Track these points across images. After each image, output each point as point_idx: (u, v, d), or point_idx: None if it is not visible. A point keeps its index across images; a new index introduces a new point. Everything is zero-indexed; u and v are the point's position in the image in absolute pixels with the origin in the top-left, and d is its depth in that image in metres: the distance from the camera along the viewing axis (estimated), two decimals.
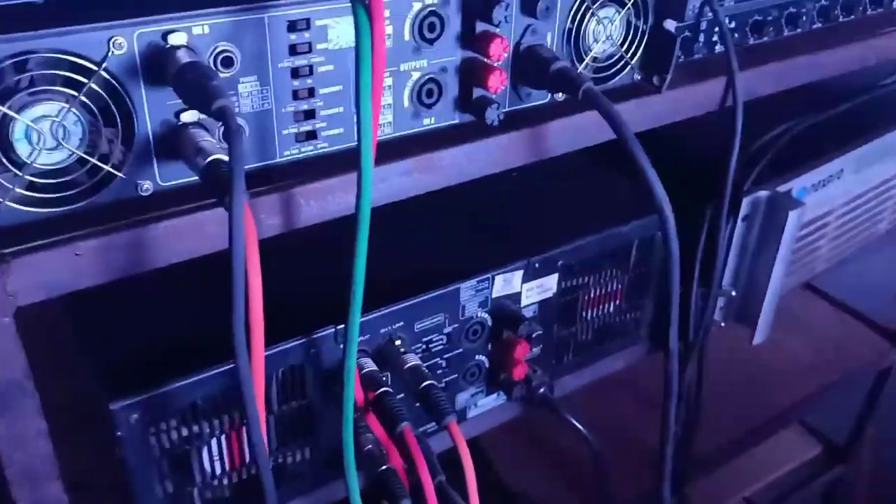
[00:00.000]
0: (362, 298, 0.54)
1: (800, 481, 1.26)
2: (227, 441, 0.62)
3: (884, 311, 1.28)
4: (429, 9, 0.57)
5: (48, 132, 0.46)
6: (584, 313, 0.80)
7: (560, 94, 0.65)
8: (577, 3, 0.63)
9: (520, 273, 0.72)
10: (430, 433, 0.75)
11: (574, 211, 0.80)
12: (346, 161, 0.58)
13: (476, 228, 0.77)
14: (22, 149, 0.46)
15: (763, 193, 0.83)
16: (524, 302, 0.74)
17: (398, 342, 0.66)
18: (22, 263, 0.47)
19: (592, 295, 0.80)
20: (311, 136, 0.56)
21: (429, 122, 0.61)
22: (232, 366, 0.53)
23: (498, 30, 0.59)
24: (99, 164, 0.48)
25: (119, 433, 0.55)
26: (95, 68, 0.46)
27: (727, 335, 0.90)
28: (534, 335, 0.74)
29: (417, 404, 0.65)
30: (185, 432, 0.58)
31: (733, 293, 0.88)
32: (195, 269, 0.52)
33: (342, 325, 0.63)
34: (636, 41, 0.68)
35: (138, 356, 0.60)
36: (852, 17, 0.84)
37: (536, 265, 0.73)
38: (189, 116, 0.51)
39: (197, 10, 0.48)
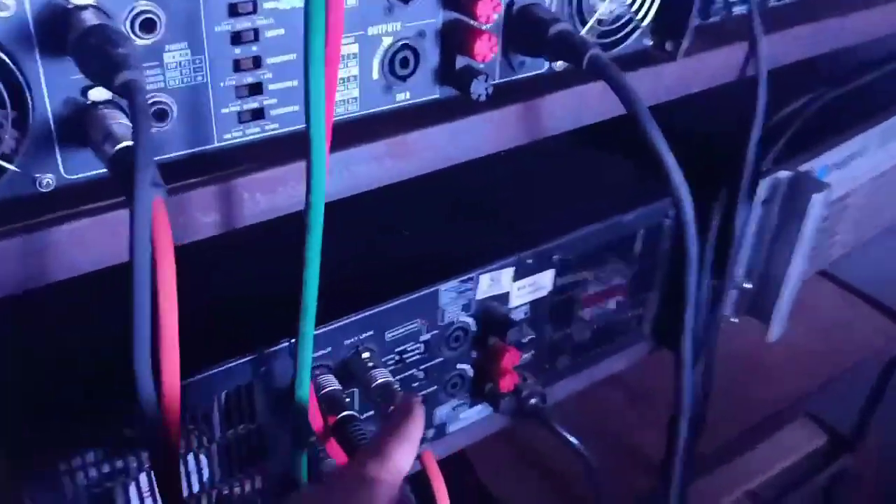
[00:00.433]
0: (315, 310, 0.44)
1: (804, 473, 1.19)
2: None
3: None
4: None
5: None
6: (582, 312, 0.71)
7: (560, 62, 0.55)
8: None
9: (510, 271, 0.62)
10: None
11: (570, 197, 0.70)
12: (301, 146, 0.48)
13: (459, 220, 0.67)
14: None
15: (784, 174, 0.73)
16: (514, 302, 0.64)
17: (366, 355, 0.57)
18: None
19: (592, 292, 0.70)
20: (258, 115, 0.46)
21: (403, 97, 0.51)
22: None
23: None
24: None
25: None
26: None
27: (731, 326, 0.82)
28: (525, 340, 0.64)
29: None
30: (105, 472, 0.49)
31: (747, 286, 0.78)
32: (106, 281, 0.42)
33: None
34: (648, 1, 0.57)
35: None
36: None
37: (529, 261, 0.63)
38: (99, 94, 0.40)
39: None
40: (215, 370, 0.51)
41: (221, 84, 0.44)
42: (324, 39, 0.38)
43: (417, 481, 0.51)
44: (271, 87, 0.46)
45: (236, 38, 0.43)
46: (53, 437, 0.47)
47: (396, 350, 0.60)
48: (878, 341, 1.16)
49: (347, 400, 0.54)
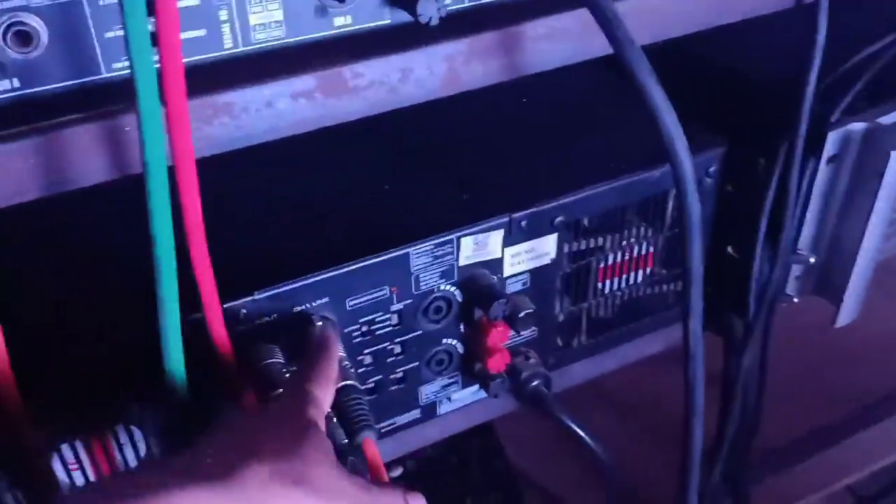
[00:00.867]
0: (174, 271, 0.37)
1: None
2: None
3: None
4: None
5: None
6: (600, 284, 0.61)
7: None
8: None
9: (498, 234, 0.53)
10: (388, 431, 0.59)
11: (582, 149, 0.60)
12: (211, 77, 0.41)
13: (440, 174, 0.58)
14: None
15: (857, 126, 0.60)
16: (508, 271, 0.56)
17: (319, 325, 0.49)
18: None
19: (612, 261, 0.60)
20: (155, 41, 0.39)
21: (343, 21, 0.43)
22: None
23: None
24: None
25: None
26: None
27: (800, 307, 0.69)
28: (521, 314, 0.55)
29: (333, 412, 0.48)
30: None
31: (812, 259, 0.66)
32: None
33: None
34: None
35: None
36: None
37: (522, 223, 0.54)
38: None
39: None
40: None
41: (100, 2, 0.37)
42: None
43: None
44: None
45: None
46: None
47: (361, 320, 0.52)
48: None
49: (287, 374, 0.48)
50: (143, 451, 0.50)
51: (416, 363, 0.57)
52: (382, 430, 0.58)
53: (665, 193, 0.60)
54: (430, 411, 0.60)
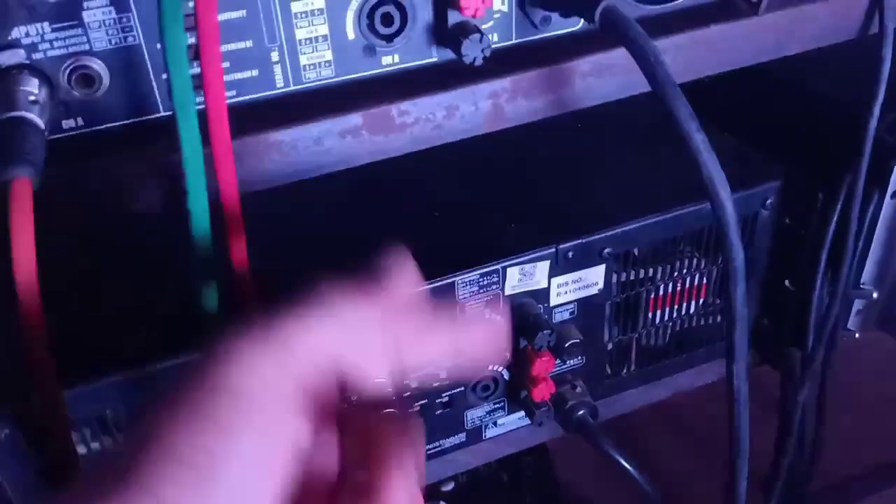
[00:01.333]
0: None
1: None
2: None
3: None
4: None
5: None
6: (650, 314, 0.61)
7: (578, 17, 0.45)
8: None
9: (545, 264, 0.54)
10: (433, 454, 0.60)
11: (633, 180, 0.59)
12: (263, 116, 0.42)
13: (489, 204, 0.58)
14: None
15: None
16: (555, 301, 0.56)
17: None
18: None
19: (663, 291, 0.60)
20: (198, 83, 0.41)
21: (390, 61, 0.44)
22: None
23: None
24: None
25: None
26: None
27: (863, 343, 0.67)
28: (567, 344, 0.55)
29: None
30: None
31: (875, 294, 0.64)
32: None
33: None
34: None
35: None
36: None
37: (569, 254, 0.54)
38: (8, 58, 0.37)
39: None
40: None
41: (158, 46, 0.39)
42: None
43: None
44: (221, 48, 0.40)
45: None
46: None
47: None
48: None
49: None
50: None
51: (462, 388, 0.57)
52: (428, 453, 0.59)
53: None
54: (475, 435, 0.60)
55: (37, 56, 0.37)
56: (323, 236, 0.57)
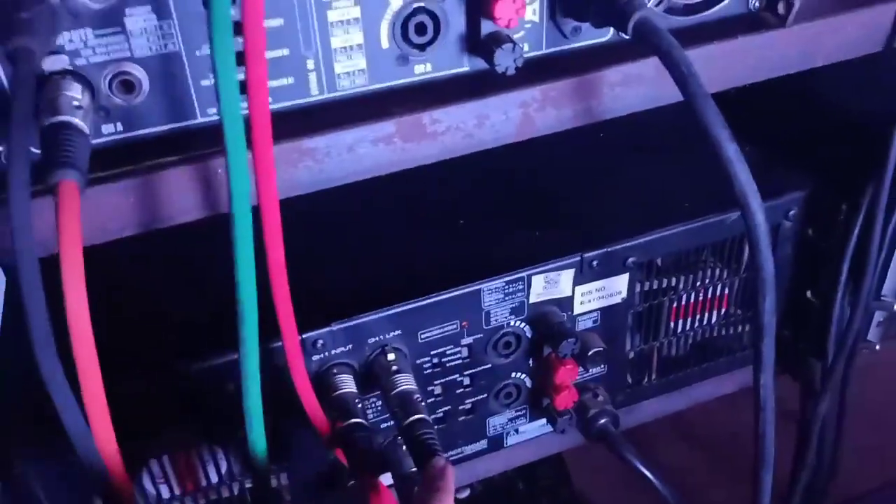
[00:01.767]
0: (255, 311, 0.39)
1: None
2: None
3: None
4: None
5: None
6: (672, 324, 0.61)
7: (609, 28, 0.46)
8: None
9: (569, 273, 0.54)
10: (455, 461, 0.60)
11: (656, 190, 0.60)
12: (297, 123, 0.43)
13: (514, 212, 0.59)
14: None
15: None
16: (578, 309, 0.56)
17: (391, 356, 0.51)
18: None
19: (686, 301, 0.60)
20: (244, 88, 0.41)
21: (423, 69, 0.45)
22: None
23: None
24: None
25: None
26: None
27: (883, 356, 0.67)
28: (590, 352, 0.56)
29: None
30: None
31: None
32: None
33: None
34: None
35: None
36: None
37: (594, 263, 0.54)
38: (52, 63, 0.37)
39: None
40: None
41: (197, 53, 0.40)
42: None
43: None
44: None
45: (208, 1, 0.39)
46: None
47: (433, 353, 0.54)
48: None
49: (359, 404, 0.49)
50: (224, 468, 0.53)
51: (485, 395, 0.58)
52: (450, 459, 0.59)
53: (741, 236, 0.59)
54: (497, 443, 0.61)
55: (79, 62, 0.38)
56: (350, 243, 0.57)
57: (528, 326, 0.55)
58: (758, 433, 0.47)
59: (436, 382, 0.55)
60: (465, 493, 0.86)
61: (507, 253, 0.54)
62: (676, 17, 0.48)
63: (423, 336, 0.53)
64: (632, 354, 0.61)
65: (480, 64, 0.45)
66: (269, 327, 0.43)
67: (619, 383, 0.62)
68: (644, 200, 0.59)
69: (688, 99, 0.40)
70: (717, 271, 0.60)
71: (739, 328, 0.64)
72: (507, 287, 0.53)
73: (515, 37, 0.44)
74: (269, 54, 0.41)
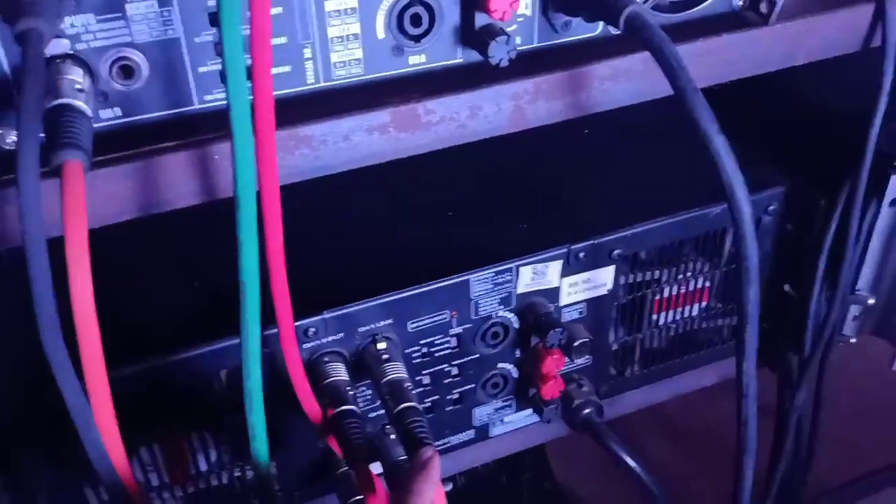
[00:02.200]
0: (258, 296, 0.39)
1: None
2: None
3: None
4: None
5: None
6: (655, 316, 0.62)
7: (600, 22, 0.47)
8: None
9: (557, 264, 0.55)
10: (441, 451, 0.61)
11: (641, 184, 0.61)
12: (293, 110, 0.43)
13: (504, 204, 0.60)
14: None
15: None
16: (565, 300, 0.57)
17: (382, 345, 0.52)
18: None
19: (668, 294, 0.61)
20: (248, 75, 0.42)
21: (417, 60, 0.45)
22: None
23: None
24: None
25: None
26: None
27: (859, 349, 0.69)
28: (576, 343, 0.57)
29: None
30: None
31: (871, 300, 0.66)
32: None
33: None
34: None
35: None
36: None
37: (581, 254, 0.55)
38: (54, 48, 0.38)
39: None
40: (207, 348, 0.48)
41: (196, 39, 0.40)
42: None
43: None
44: None
45: None
46: None
47: (422, 342, 0.54)
48: None
49: (350, 392, 0.50)
50: (213, 457, 0.53)
51: (472, 385, 0.58)
52: (437, 449, 0.60)
53: (723, 230, 0.60)
54: (483, 432, 0.62)
55: (80, 47, 0.38)
56: (341, 233, 0.58)
57: (515, 317, 0.56)
58: (740, 419, 0.48)
59: (424, 372, 0.56)
60: (449, 487, 0.86)
61: (496, 244, 0.55)
62: (663, 14, 0.49)
63: (412, 325, 0.53)
64: (616, 346, 0.62)
65: (474, 56, 0.46)
66: (262, 315, 0.44)
67: (603, 374, 0.63)
68: (629, 193, 0.60)
69: (678, 93, 0.41)
70: (699, 265, 0.62)
71: (720, 321, 0.66)
72: (495, 277, 0.54)
73: (508, 30, 0.45)
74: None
